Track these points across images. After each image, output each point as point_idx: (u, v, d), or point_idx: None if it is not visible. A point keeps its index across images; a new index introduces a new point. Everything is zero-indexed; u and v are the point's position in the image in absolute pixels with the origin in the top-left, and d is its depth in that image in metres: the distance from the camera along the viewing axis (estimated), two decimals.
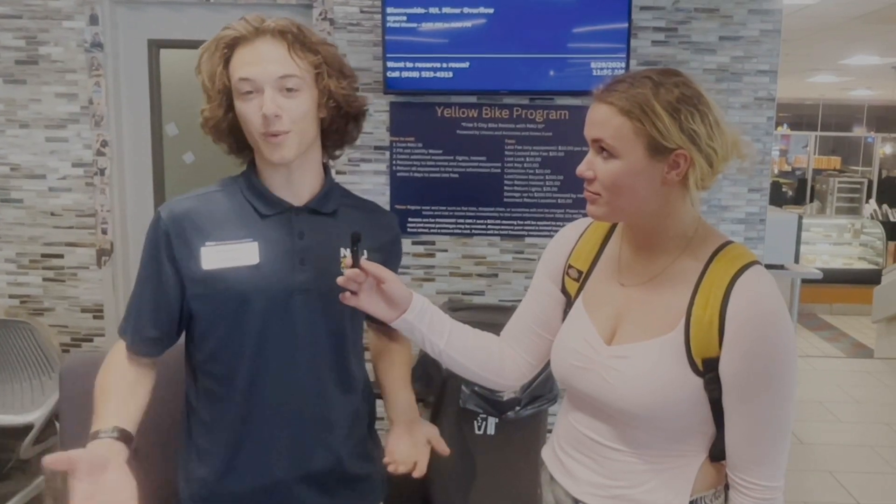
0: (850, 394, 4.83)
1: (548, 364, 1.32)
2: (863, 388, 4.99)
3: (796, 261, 3.96)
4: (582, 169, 1.14)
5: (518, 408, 2.13)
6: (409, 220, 2.79)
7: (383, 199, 2.76)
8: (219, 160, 1.44)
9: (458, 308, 2.53)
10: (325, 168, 1.39)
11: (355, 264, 1.17)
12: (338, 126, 1.34)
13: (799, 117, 13.94)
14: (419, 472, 1.39)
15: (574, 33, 2.57)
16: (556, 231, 1.36)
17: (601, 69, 2.56)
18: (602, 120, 1.09)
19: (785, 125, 13.60)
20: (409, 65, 2.62)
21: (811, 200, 10.33)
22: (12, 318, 2.63)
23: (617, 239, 1.26)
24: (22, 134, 2.78)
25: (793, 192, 11.21)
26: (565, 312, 1.29)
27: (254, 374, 1.30)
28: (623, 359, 1.14)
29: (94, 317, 2.87)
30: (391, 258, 1.43)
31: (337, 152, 1.41)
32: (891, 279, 5.75)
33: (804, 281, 4.15)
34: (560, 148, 2.74)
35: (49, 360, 2.63)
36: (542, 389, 2.14)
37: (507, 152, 2.75)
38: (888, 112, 13.21)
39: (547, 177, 2.76)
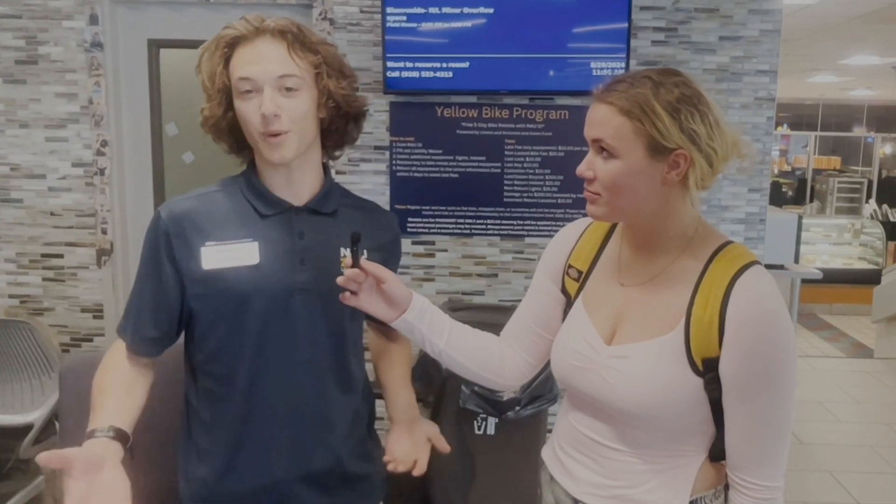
0: (849, 394, 4.83)
1: (548, 364, 1.32)
2: (863, 388, 4.99)
3: (796, 261, 3.96)
4: (582, 169, 1.14)
5: (518, 408, 2.13)
6: (409, 219, 2.79)
7: (383, 199, 2.76)
8: (219, 160, 1.44)
9: (458, 308, 2.53)
10: (325, 168, 1.39)
11: (355, 264, 1.17)
12: (337, 126, 1.34)
13: (799, 117, 13.94)
14: (419, 471, 1.39)
15: (574, 33, 2.57)
16: (556, 231, 1.36)
17: (601, 69, 2.56)
18: (602, 120, 1.09)
19: (785, 125, 13.60)
20: (409, 65, 2.62)
21: (811, 200, 10.33)
22: (12, 318, 2.63)
23: (617, 239, 1.26)
24: (22, 134, 2.78)
25: (793, 192, 11.21)
26: (565, 312, 1.29)
27: (254, 374, 1.30)
28: (623, 359, 1.14)
29: (94, 317, 2.87)
30: (391, 258, 1.43)
31: (336, 153, 1.41)
32: (891, 279, 5.75)
33: (804, 281, 4.15)
34: (560, 148, 2.74)
35: (49, 360, 2.62)
36: (542, 389, 2.14)
37: (506, 152, 2.75)
38: (888, 112, 13.21)
39: (547, 177, 2.76)
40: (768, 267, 1.22)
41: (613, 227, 1.28)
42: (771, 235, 2.91)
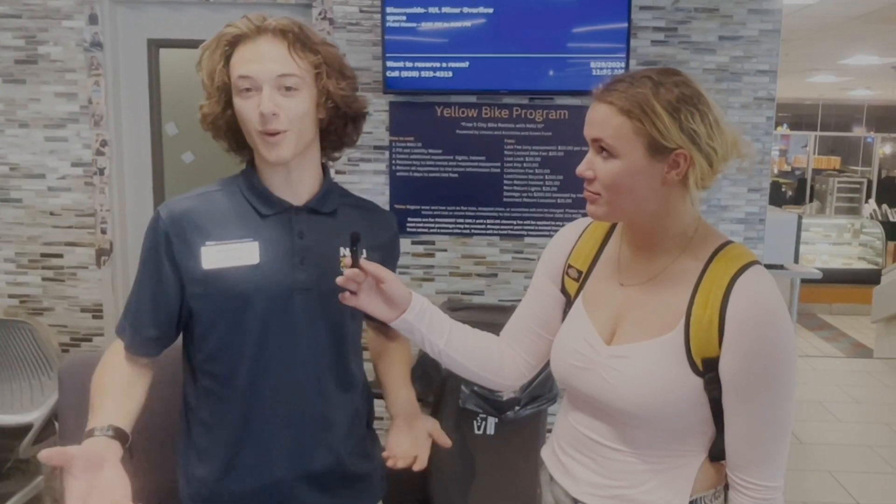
0: (849, 394, 4.83)
1: (547, 364, 1.32)
2: (862, 388, 4.99)
3: (796, 261, 3.96)
4: (582, 169, 1.14)
5: (517, 408, 2.13)
6: (409, 219, 2.79)
7: (383, 199, 2.76)
8: (218, 160, 1.44)
9: (458, 308, 2.53)
10: (324, 168, 1.39)
11: (355, 264, 1.17)
12: (336, 127, 1.34)
13: (798, 117, 13.94)
14: (419, 466, 1.38)
15: (574, 33, 2.57)
16: (556, 231, 1.36)
17: (601, 69, 2.56)
18: (602, 120, 1.09)
19: (784, 125, 13.60)
20: (409, 64, 2.62)
21: (811, 200, 10.33)
22: (12, 318, 2.63)
23: (616, 239, 1.26)
24: (21, 133, 2.78)
25: (792, 191, 11.21)
26: (565, 312, 1.29)
27: (254, 374, 1.30)
28: (623, 359, 1.14)
29: (94, 316, 2.86)
30: (390, 257, 1.43)
31: (335, 154, 1.41)
32: (890, 279, 5.75)
33: (804, 281, 4.15)
34: (560, 148, 2.74)
35: (48, 360, 2.62)
36: (542, 389, 2.14)
37: (506, 152, 2.75)
38: (888, 112, 13.21)
39: (546, 177, 2.76)
40: (768, 267, 1.22)
41: (613, 226, 1.28)
42: (770, 235, 2.91)
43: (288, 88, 1.23)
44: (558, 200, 2.77)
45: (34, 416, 2.58)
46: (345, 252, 1.29)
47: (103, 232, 2.81)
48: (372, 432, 1.49)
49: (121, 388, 1.26)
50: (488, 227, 2.79)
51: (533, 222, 2.78)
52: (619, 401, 1.13)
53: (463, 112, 2.74)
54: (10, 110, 2.77)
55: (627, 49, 2.55)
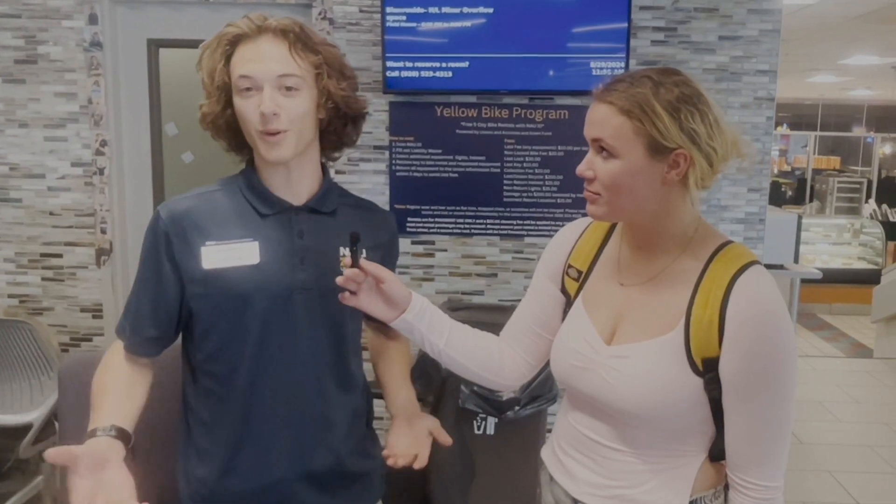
0: (849, 394, 4.83)
1: (547, 364, 1.32)
2: (862, 388, 4.99)
3: (796, 261, 3.96)
4: (582, 169, 1.13)
5: (517, 408, 2.13)
6: (409, 219, 2.79)
7: (383, 199, 2.76)
8: (218, 160, 1.44)
9: (458, 308, 2.53)
10: (324, 168, 1.39)
11: (354, 264, 1.17)
12: (336, 127, 1.34)
13: (798, 117, 13.94)
14: (420, 464, 1.38)
15: (573, 33, 2.57)
16: (556, 231, 1.36)
17: (601, 69, 2.56)
18: (602, 119, 1.09)
19: (784, 125, 13.60)
20: (409, 64, 2.62)
21: (811, 200, 10.33)
22: (11, 318, 2.63)
23: (616, 239, 1.26)
24: (21, 133, 2.78)
25: (792, 191, 11.21)
26: (565, 312, 1.29)
27: (254, 374, 1.30)
28: (623, 359, 1.14)
29: (94, 316, 2.86)
30: (389, 257, 1.43)
31: (335, 154, 1.41)
32: (890, 279, 5.75)
33: (804, 281, 4.15)
34: (559, 148, 2.74)
35: (48, 360, 2.62)
36: (542, 389, 2.14)
37: (506, 152, 2.75)
38: (888, 112, 13.21)
39: (546, 176, 2.76)
40: (768, 267, 1.21)
41: (613, 226, 1.27)
42: (770, 235, 2.91)
43: (288, 88, 1.23)
44: (558, 200, 2.77)
45: (34, 416, 2.58)
46: (344, 252, 1.30)
47: (103, 232, 2.81)
48: (372, 432, 1.49)
49: (122, 388, 1.26)
50: (488, 227, 2.79)
51: (533, 222, 2.78)
52: (619, 401, 1.13)
53: (463, 112, 2.74)
54: (9, 110, 2.77)
55: (627, 49, 2.55)
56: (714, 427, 1.15)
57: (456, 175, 2.77)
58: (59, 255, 2.84)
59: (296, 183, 1.32)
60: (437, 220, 2.79)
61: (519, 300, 1.37)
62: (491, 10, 2.57)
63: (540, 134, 2.73)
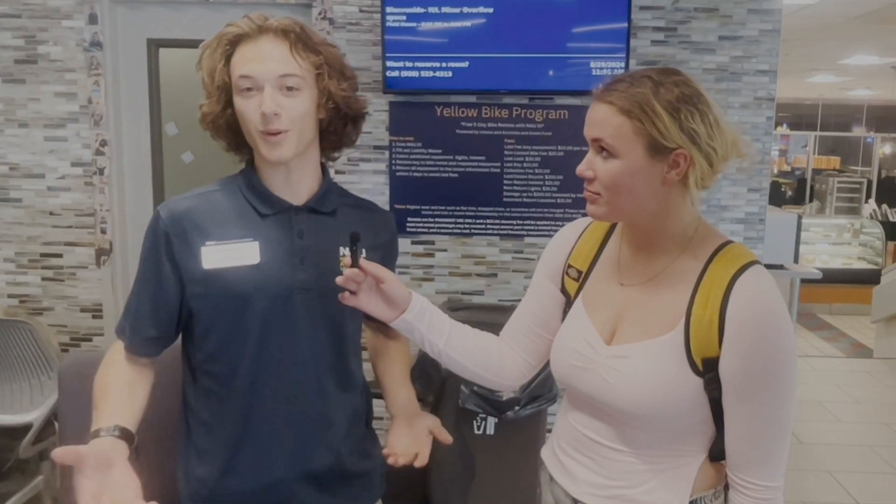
0: (849, 394, 4.83)
1: (547, 364, 1.32)
2: (862, 388, 4.99)
3: (796, 261, 3.96)
4: (582, 168, 1.13)
5: (517, 407, 2.13)
6: (409, 219, 2.79)
7: (383, 199, 2.76)
8: (218, 160, 1.44)
9: (458, 308, 2.53)
10: (324, 168, 1.39)
11: (354, 264, 1.17)
12: (336, 127, 1.34)
13: (798, 117, 13.94)
14: (421, 462, 1.38)
15: (573, 33, 2.57)
16: (556, 231, 1.36)
17: (601, 69, 2.56)
18: (602, 119, 1.09)
19: (784, 125, 13.60)
20: (409, 64, 2.62)
21: (810, 200, 10.33)
22: (11, 318, 2.63)
23: (616, 239, 1.26)
24: (21, 133, 2.78)
25: (792, 191, 11.21)
26: (565, 312, 1.29)
27: (254, 374, 1.30)
28: (623, 359, 1.14)
29: (94, 316, 2.86)
30: (388, 257, 1.43)
31: (335, 154, 1.41)
32: (890, 279, 5.75)
33: (803, 281, 4.15)
34: (559, 148, 2.74)
35: (48, 360, 2.62)
36: (542, 389, 2.14)
37: (506, 152, 2.75)
38: (887, 112, 13.21)
39: (546, 176, 2.76)
40: (768, 267, 1.21)
41: (613, 226, 1.27)
42: (770, 235, 2.91)
43: (289, 88, 1.23)
44: (558, 200, 2.77)
45: (34, 416, 2.58)
46: (344, 252, 1.30)
47: (103, 232, 2.81)
48: (371, 431, 1.49)
49: (124, 388, 1.26)
50: (488, 227, 2.79)
51: (533, 222, 2.78)
52: (619, 401, 1.13)
53: (463, 112, 2.74)
54: (9, 110, 2.77)
55: (627, 49, 2.55)
56: (714, 427, 1.14)
57: (456, 175, 2.77)
58: (59, 255, 2.84)
59: (296, 183, 1.32)
60: (437, 220, 2.79)
61: (519, 300, 1.37)
62: (491, 10, 2.57)
63: (540, 134, 2.73)
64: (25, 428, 2.57)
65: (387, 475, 1.49)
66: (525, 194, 2.77)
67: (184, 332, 1.35)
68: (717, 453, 1.16)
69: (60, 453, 1.07)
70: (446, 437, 1.44)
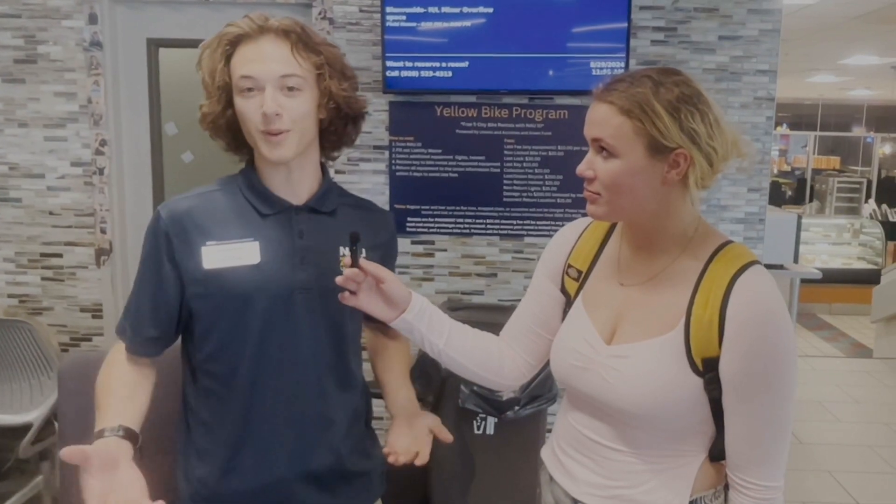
0: (849, 394, 4.83)
1: (547, 364, 1.32)
2: (862, 387, 4.99)
3: (795, 261, 3.96)
4: (582, 168, 1.13)
5: (517, 407, 2.13)
6: (409, 219, 2.79)
7: (382, 199, 2.76)
8: (218, 160, 1.44)
9: (458, 308, 2.53)
10: (324, 168, 1.39)
11: (354, 264, 1.17)
12: (336, 127, 1.34)
13: (798, 117, 13.94)
14: (421, 461, 1.38)
15: (573, 33, 2.57)
16: (556, 231, 1.36)
17: (600, 69, 2.56)
18: (602, 119, 1.09)
19: (784, 125, 13.60)
20: (409, 64, 2.62)
21: (810, 200, 10.33)
22: (11, 318, 2.63)
23: (616, 238, 1.26)
24: (20, 133, 2.78)
25: (792, 191, 11.21)
26: (565, 312, 1.29)
27: (255, 374, 1.30)
28: (623, 359, 1.14)
29: (93, 316, 2.86)
30: (388, 257, 1.43)
31: (335, 153, 1.41)
32: (890, 279, 5.75)
33: (803, 281, 4.15)
34: (559, 147, 2.74)
35: (48, 360, 2.62)
36: (542, 389, 2.14)
37: (506, 152, 2.75)
38: (887, 112, 13.21)
39: (546, 176, 2.76)
40: (768, 267, 1.21)
41: (613, 226, 1.27)
42: (770, 235, 2.91)
43: (290, 89, 1.23)
44: (558, 200, 2.77)
45: (33, 415, 2.58)
46: (344, 252, 1.30)
47: (103, 232, 2.81)
48: (371, 431, 1.49)
49: (125, 388, 1.26)
50: (488, 226, 2.79)
51: (533, 222, 2.78)
52: (619, 401, 1.13)
53: (463, 112, 2.74)
54: (9, 110, 2.77)
55: (627, 49, 2.55)
56: (714, 427, 1.15)
57: (456, 175, 2.77)
58: (59, 255, 2.84)
59: (296, 183, 1.32)
60: (436, 219, 2.79)
61: (519, 300, 1.37)
62: (491, 10, 2.57)
63: (540, 134, 2.73)
64: (25, 428, 2.57)
65: (387, 475, 1.49)
66: (525, 194, 2.77)
67: (184, 332, 1.35)
68: (717, 453, 1.16)
69: (67, 453, 1.08)
70: (447, 436, 1.44)
